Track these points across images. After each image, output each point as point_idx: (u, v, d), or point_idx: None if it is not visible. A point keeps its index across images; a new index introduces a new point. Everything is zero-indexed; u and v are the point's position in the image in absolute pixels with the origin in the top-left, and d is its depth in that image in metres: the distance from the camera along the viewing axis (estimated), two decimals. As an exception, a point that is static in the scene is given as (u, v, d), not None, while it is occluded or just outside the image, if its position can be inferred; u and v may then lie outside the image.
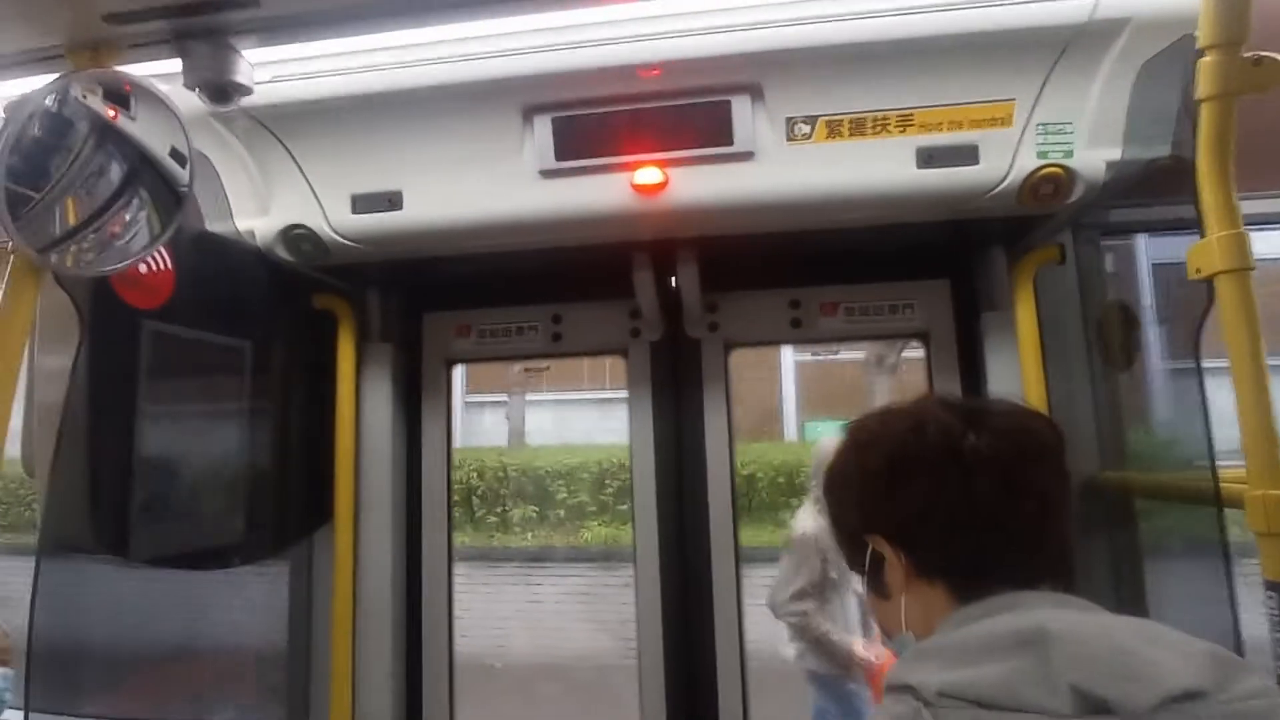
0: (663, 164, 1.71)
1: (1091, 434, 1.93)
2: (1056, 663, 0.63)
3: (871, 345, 11.33)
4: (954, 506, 0.80)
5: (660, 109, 1.70)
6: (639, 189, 1.71)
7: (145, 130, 1.54)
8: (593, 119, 1.72)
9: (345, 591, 2.11)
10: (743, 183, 1.71)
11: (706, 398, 2.26)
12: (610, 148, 1.72)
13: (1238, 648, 1.36)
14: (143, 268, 1.64)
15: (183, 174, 1.60)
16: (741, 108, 1.67)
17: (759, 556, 7.33)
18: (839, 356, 16.04)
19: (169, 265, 1.70)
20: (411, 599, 2.31)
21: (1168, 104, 1.53)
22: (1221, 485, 1.34)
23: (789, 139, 1.69)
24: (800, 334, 2.25)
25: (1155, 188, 1.68)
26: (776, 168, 1.69)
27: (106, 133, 1.52)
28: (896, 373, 11.22)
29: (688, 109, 1.69)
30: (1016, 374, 1.93)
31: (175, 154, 1.59)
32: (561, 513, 8.60)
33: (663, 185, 1.71)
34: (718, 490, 2.24)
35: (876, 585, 0.87)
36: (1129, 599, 1.81)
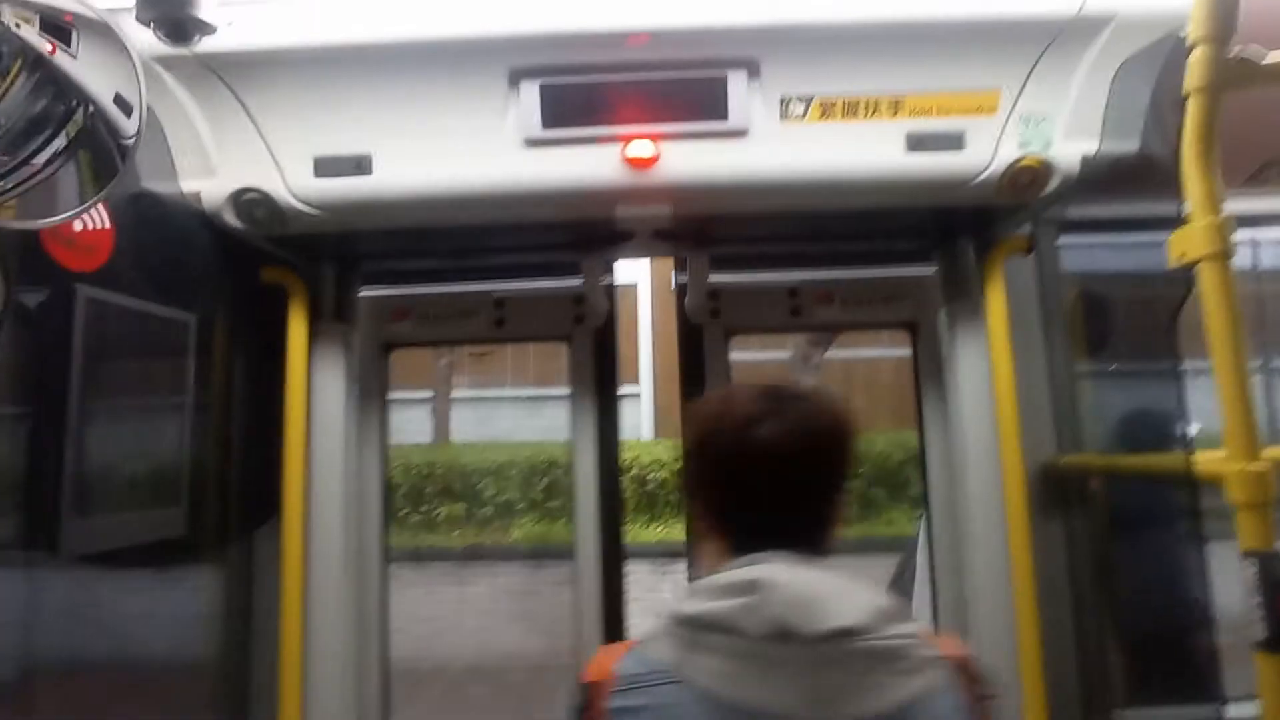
0: (655, 137, 1.66)
1: (1061, 421, 2.01)
2: (766, 603, 0.85)
3: (796, 345, 11.63)
4: (738, 483, 0.98)
5: (655, 80, 1.65)
6: (631, 162, 1.66)
7: (87, 70, 1.37)
8: (585, 87, 1.65)
9: (294, 594, 1.94)
10: (736, 160, 1.68)
11: (709, 388, 2.25)
12: (602, 117, 1.65)
13: (1207, 620, 1.43)
14: (78, 225, 1.46)
15: (128, 124, 1.43)
16: (738, 83, 1.65)
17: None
18: (763, 355, 16.39)
19: (108, 223, 1.52)
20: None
21: (1143, 102, 1.60)
22: (1197, 463, 1.40)
23: (783, 118, 1.68)
24: (799, 322, 2.28)
25: (1122, 184, 1.76)
26: (770, 146, 1.68)
27: (41, 69, 1.34)
28: (820, 372, 11.53)
29: (683, 82, 1.65)
30: (983, 362, 1.99)
31: (120, 101, 1.43)
32: (490, 510, 8.40)
33: (654, 159, 1.66)
34: None
35: (696, 534, 1.05)
36: (1096, 576, 1.90)
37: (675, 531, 8.10)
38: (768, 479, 0.95)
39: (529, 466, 8.53)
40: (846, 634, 0.84)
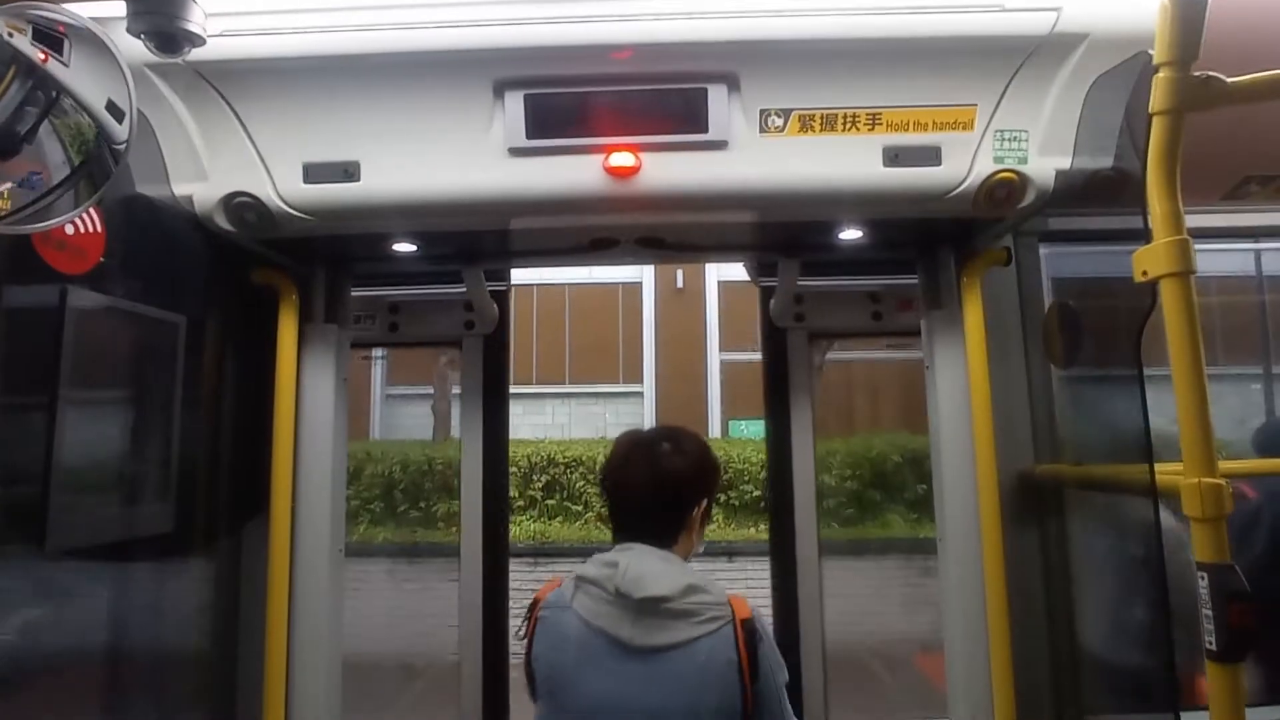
0: (636, 148, 1.69)
1: (1030, 429, 2.03)
2: (615, 576, 1.42)
3: (797, 346, 11.63)
4: (614, 502, 1.56)
5: (636, 92, 1.68)
6: (612, 171, 1.69)
7: (79, 78, 1.42)
8: (568, 98, 1.68)
9: (281, 589, 1.99)
10: (715, 171, 1.71)
11: (793, 388, 2.32)
12: (584, 128, 1.69)
13: (1166, 621, 1.46)
14: (69, 228, 1.50)
15: (119, 130, 1.48)
16: (718, 96, 1.68)
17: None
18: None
19: (99, 227, 1.56)
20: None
21: (1114, 118, 1.62)
22: (1157, 476, 1.42)
23: (762, 130, 1.71)
24: (880, 326, 2.34)
25: (1095, 198, 1.78)
26: (749, 158, 1.70)
27: (33, 77, 1.39)
28: (822, 373, 11.52)
29: (664, 94, 1.68)
30: (961, 371, 2.01)
31: (112, 107, 1.47)
32: (488, 507, 8.43)
33: (635, 169, 1.69)
34: (803, 486, 2.30)
35: None
36: (1061, 580, 1.92)
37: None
38: (626, 501, 1.54)
39: (528, 464, 8.56)
40: (657, 599, 1.40)
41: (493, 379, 2.43)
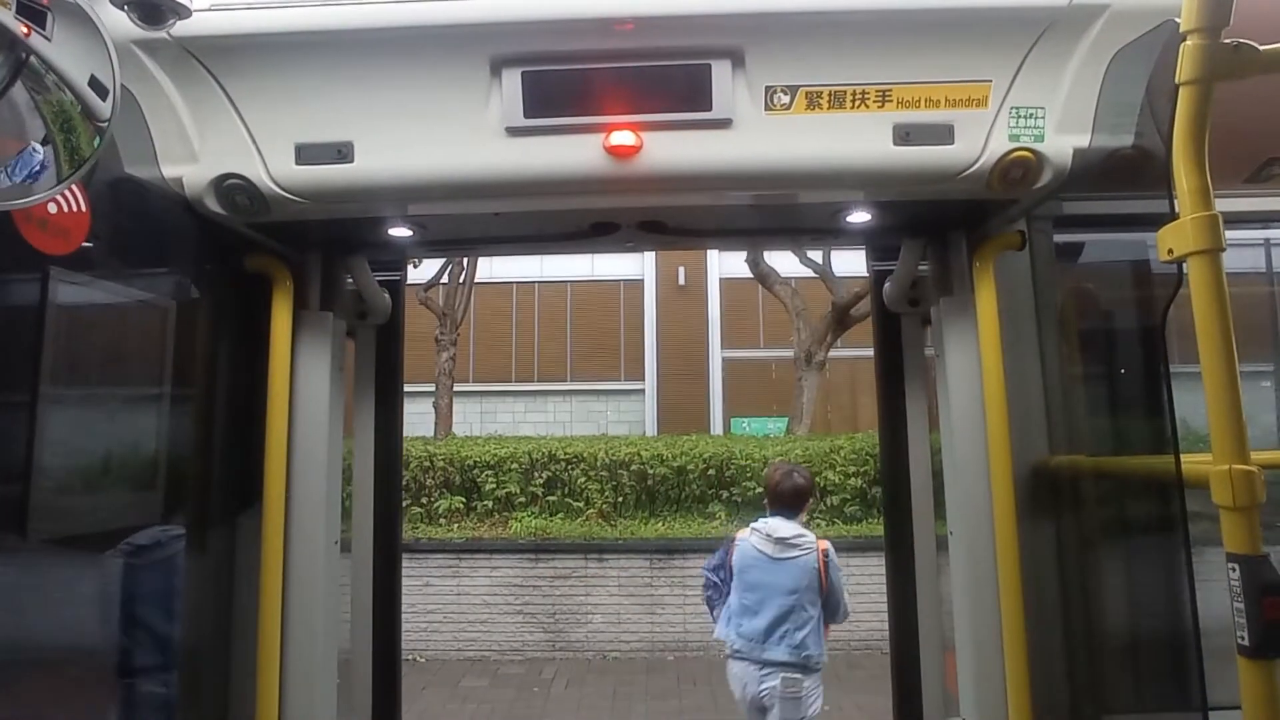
0: (637, 127, 1.63)
1: (1045, 418, 1.97)
2: (767, 527, 3.87)
3: (800, 344, 11.58)
4: (770, 498, 3.97)
5: (638, 69, 1.63)
6: (612, 151, 1.63)
7: (62, 53, 1.36)
8: (567, 75, 1.62)
9: (274, 581, 1.93)
10: (719, 150, 1.65)
11: (907, 377, 2.25)
12: (584, 107, 1.63)
13: (1194, 616, 1.40)
14: (53, 207, 1.45)
15: (103, 107, 1.43)
16: (722, 73, 1.62)
17: (697, 548, 7.38)
18: (766, 354, 16.37)
19: (84, 207, 1.51)
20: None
21: (1136, 94, 1.56)
22: (1183, 465, 1.37)
23: (768, 108, 1.65)
24: None
25: (1114, 178, 1.72)
26: (754, 137, 1.65)
27: (15, 51, 1.33)
28: (824, 370, 11.49)
29: (667, 71, 1.63)
30: (973, 359, 1.95)
31: (95, 84, 1.41)
32: (490, 504, 8.38)
33: (636, 149, 1.64)
34: (919, 479, 2.23)
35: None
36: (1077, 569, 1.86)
37: (675, 529, 8.05)
38: (776, 499, 3.90)
39: (529, 460, 8.51)
40: (784, 538, 3.77)
41: (385, 371, 2.37)
